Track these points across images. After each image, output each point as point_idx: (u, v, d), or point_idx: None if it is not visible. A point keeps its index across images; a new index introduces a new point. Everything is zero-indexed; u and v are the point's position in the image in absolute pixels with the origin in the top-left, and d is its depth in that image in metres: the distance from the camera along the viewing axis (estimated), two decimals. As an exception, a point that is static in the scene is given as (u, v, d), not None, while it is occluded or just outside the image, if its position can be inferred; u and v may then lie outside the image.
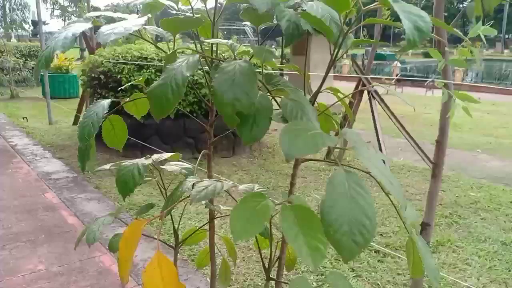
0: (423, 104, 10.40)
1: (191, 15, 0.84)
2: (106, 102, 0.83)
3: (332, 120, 0.88)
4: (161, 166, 0.96)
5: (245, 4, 0.76)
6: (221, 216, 0.96)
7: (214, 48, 0.90)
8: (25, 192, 4.07)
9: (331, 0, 0.60)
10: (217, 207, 0.92)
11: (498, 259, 2.91)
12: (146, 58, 5.03)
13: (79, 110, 7.32)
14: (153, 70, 4.92)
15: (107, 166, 0.99)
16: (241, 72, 0.66)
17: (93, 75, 5.26)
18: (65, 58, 11.01)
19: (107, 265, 2.73)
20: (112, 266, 2.71)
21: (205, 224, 0.99)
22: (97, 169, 1.04)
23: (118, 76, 4.97)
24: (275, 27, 0.82)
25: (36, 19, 8.23)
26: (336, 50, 0.70)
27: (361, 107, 4.95)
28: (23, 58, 12.70)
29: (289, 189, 0.75)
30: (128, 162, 0.86)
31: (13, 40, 24.25)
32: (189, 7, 0.92)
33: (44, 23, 20.04)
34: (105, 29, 0.65)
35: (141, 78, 1.10)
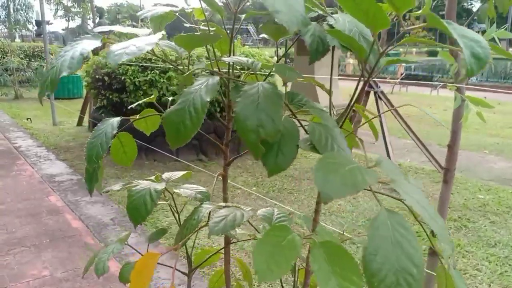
0: (428, 104, 10.34)
1: (206, 28, 0.79)
2: (115, 121, 0.77)
3: (355, 138, 0.83)
4: (174, 190, 0.91)
5: (262, 14, 0.71)
6: (238, 241, 0.92)
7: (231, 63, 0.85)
8: (29, 195, 4.04)
9: (367, 18, 0.55)
10: (234, 232, 0.88)
11: (509, 265, 2.85)
12: (150, 60, 4.99)
13: (83, 111, 7.30)
14: (157, 72, 4.89)
15: (116, 187, 0.95)
16: (265, 95, 0.61)
17: (97, 76, 5.22)
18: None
19: (113, 270, 2.70)
20: (117, 272, 2.67)
21: (220, 249, 0.94)
22: (105, 189, 1.00)
23: (122, 78, 4.94)
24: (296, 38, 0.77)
25: (40, 19, 8.22)
26: (370, 71, 0.64)
27: (366, 107, 4.90)
28: (27, 59, 12.71)
29: (313, 217, 0.70)
30: (139, 186, 0.81)
31: (17, 40, 24.31)
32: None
33: (47, 23, 20.05)
34: (116, 48, 0.60)
35: (152, 96, 1.04)
